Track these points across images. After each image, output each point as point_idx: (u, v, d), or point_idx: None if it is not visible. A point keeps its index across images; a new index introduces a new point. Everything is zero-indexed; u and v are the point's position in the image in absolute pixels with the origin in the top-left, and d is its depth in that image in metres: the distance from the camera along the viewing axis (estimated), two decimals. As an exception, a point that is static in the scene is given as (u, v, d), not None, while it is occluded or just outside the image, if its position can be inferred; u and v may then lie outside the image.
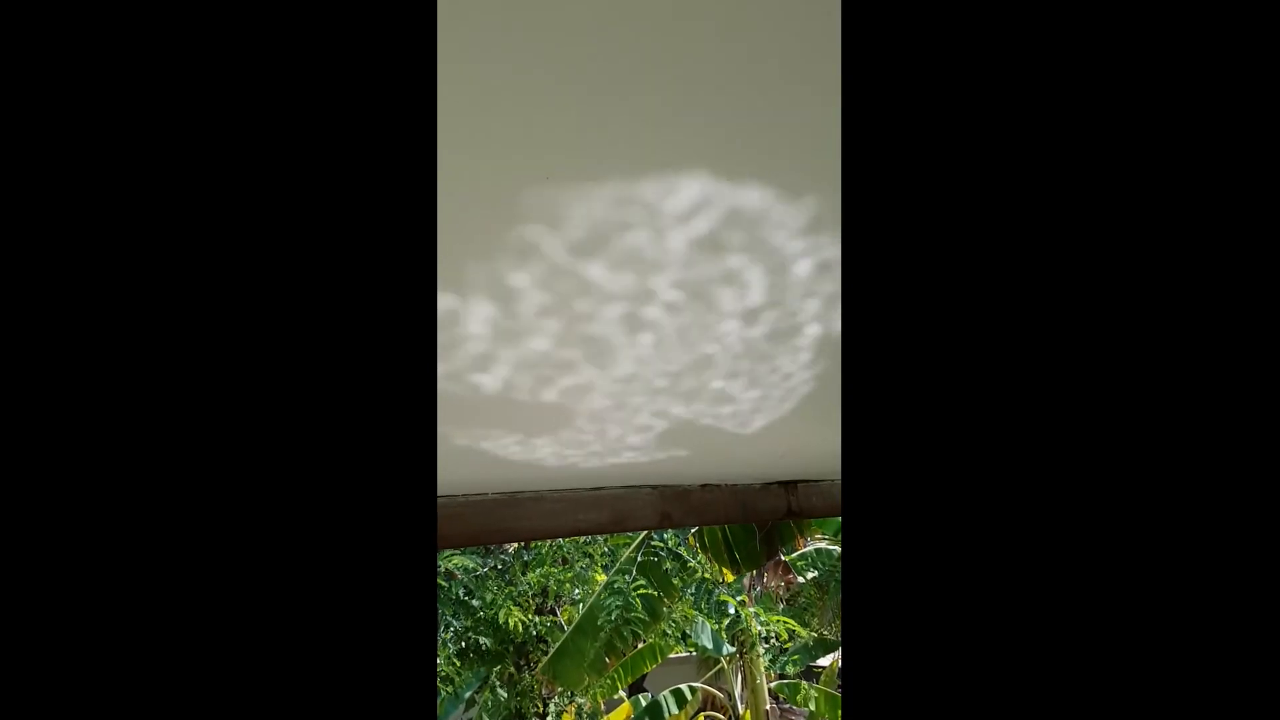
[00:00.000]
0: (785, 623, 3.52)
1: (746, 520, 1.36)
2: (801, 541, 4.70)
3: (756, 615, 3.26)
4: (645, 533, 3.06)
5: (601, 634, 2.70)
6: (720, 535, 2.14)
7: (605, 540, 3.48)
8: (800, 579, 6.03)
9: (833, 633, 6.63)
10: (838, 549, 6.29)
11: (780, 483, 1.42)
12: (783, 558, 2.48)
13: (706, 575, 3.01)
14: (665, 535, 2.97)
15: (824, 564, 6.24)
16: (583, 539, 3.81)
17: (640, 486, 1.28)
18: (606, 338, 0.71)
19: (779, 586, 2.52)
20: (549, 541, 3.86)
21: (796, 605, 7.01)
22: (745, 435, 1.11)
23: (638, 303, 0.66)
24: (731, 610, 3.50)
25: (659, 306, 0.67)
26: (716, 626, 3.99)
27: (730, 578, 2.20)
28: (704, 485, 1.35)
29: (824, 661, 7.25)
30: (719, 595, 3.05)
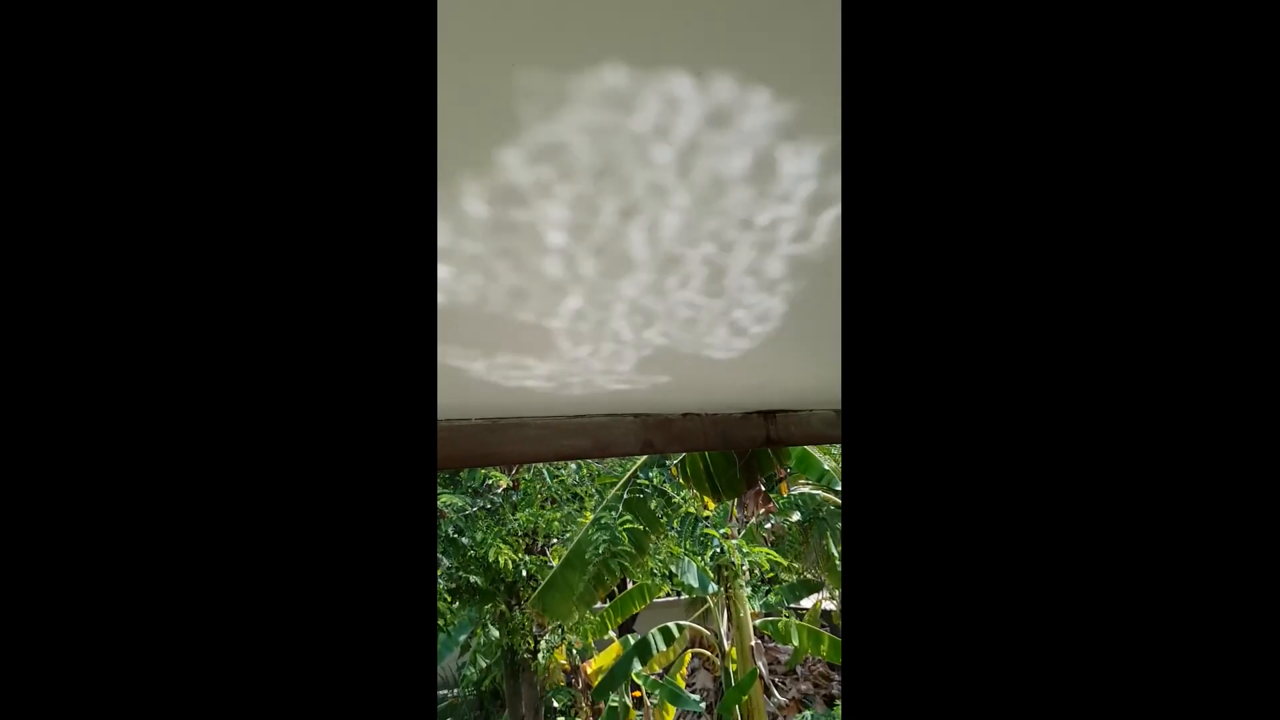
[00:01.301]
0: (767, 554, 3.65)
1: (726, 448, 1.40)
2: (781, 471, 4.80)
3: (739, 547, 3.37)
4: (631, 472, 3.14)
5: (589, 567, 2.80)
6: (701, 465, 2.20)
7: (594, 481, 3.55)
8: (785, 521, 6.21)
9: (816, 575, 6.88)
10: (821, 494, 6.47)
11: (759, 412, 1.46)
12: (762, 487, 2.55)
13: (691, 510, 3.10)
14: (650, 474, 3.05)
15: (808, 508, 6.42)
16: (571, 481, 3.89)
17: (623, 415, 1.30)
18: (579, 258, 0.72)
19: (758, 514, 2.60)
20: (539, 483, 3.94)
21: (781, 547, 7.24)
22: (724, 361, 1.13)
23: (609, 219, 0.66)
24: (715, 545, 3.62)
25: (634, 224, 0.68)
26: (702, 563, 4.13)
27: (712, 506, 2.27)
28: (685, 414, 1.38)
29: (807, 603, 7.55)
30: (702, 529, 3.15)
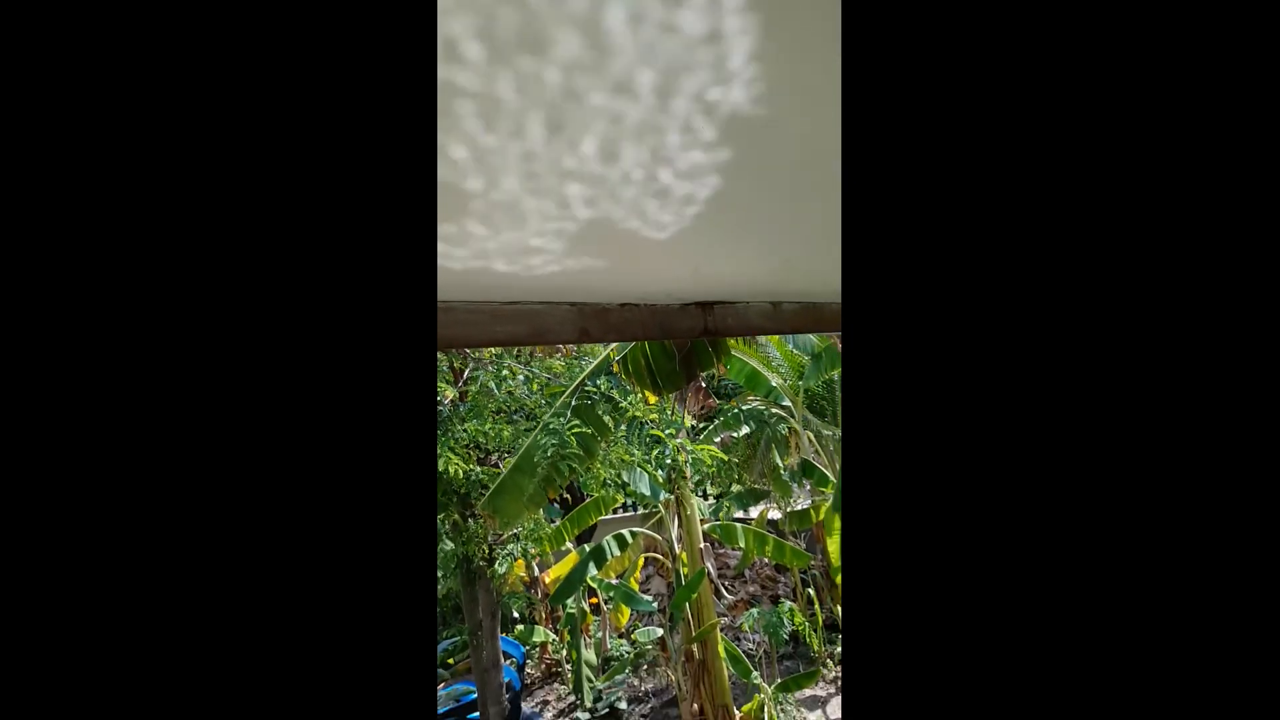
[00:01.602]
0: (710, 450, 3.79)
1: (665, 337, 1.40)
2: (722, 369, 4.93)
3: (683, 446, 3.49)
4: (580, 381, 3.16)
5: (539, 470, 2.87)
6: (643, 361, 2.23)
7: (542, 393, 3.56)
8: (733, 434, 6.44)
9: (762, 484, 7.23)
10: (768, 408, 6.70)
11: (697, 303, 1.46)
12: (702, 384, 2.62)
13: (638, 414, 3.18)
14: (599, 381, 3.08)
15: (757, 421, 6.66)
16: (520, 392, 3.90)
17: (559, 303, 1.28)
18: (489, 117, 0.67)
19: (699, 409, 2.68)
20: (486, 397, 3.94)
21: (729, 460, 7.53)
22: (658, 243, 1.11)
23: (520, 75, 0.61)
24: (663, 448, 3.71)
25: (546, 80, 0.63)
26: (651, 469, 4.26)
27: (653, 400, 2.33)
28: (623, 304, 1.37)
29: (753, 512, 7.96)
30: (649, 430, 3.24)
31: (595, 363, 3.17)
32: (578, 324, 1.30)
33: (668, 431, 3.54)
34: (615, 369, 2.52)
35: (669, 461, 4.05)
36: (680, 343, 2.15)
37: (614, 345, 2.36)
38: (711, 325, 1.46)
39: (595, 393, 3.00)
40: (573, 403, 2.98)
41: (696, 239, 1.15)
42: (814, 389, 7.24)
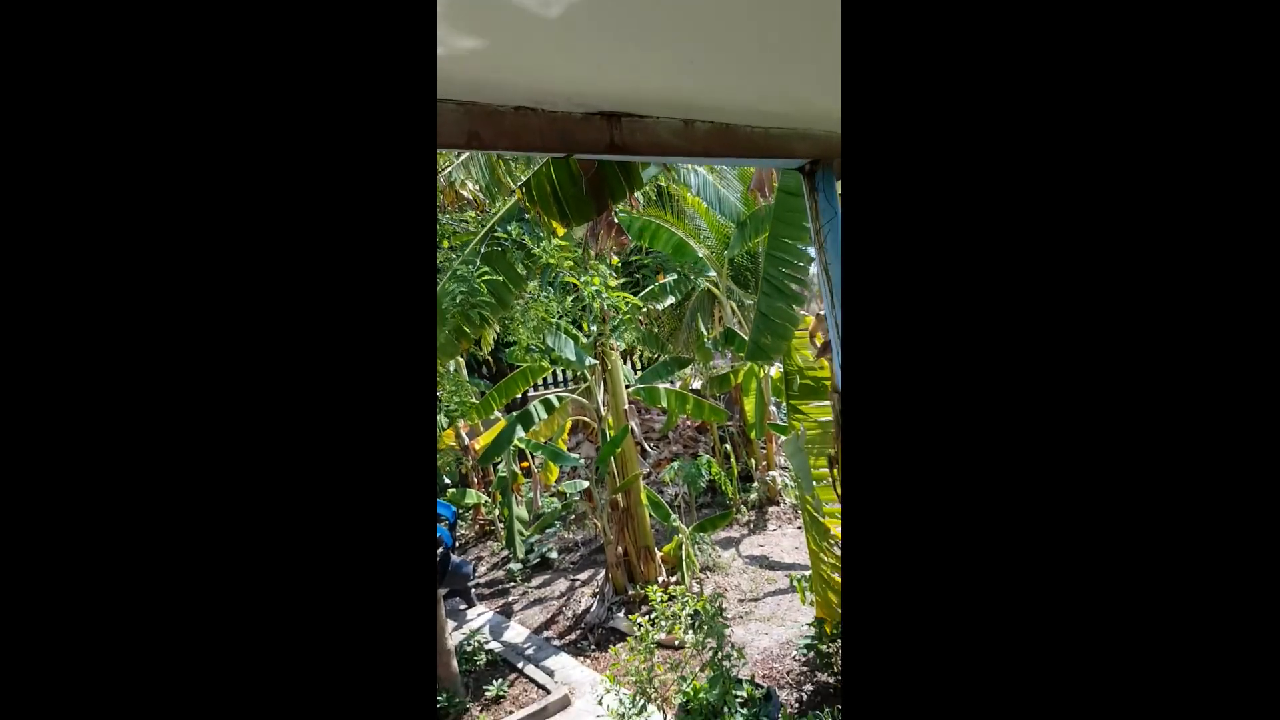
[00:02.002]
0: (625, 297, 3.82)
1: (566, 150, 1.31)
2: (635, 203, 4.87)
3: (599, 291, 3.49)
4: (490, 226, 3.02)
5: (448, 318, 2.80)
6: (548, 187, 2.14)
7: (450, 241, 3.39)
8: (659, 306, 6.50)
9: (688, 353, 7.44)
10: (692, 277, 6.76)
11: (602, 114, 1.36)
12: (615, 220, 2.57)
13: (552, 261, 3.12)
14: (510, 228, 2.95)
15: (683, 291, 6.72)
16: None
17: (444, 100, 1.16)
18: None
19: (612, 248, 2.65)
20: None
21: (654, 328, 7.65)
22: (549, 21, 0.98)
23: None
24: (583, 298, 3.67)
25: None
26: (574, 332, 4.26)
27: (560, 232, 2.27)
28: (518, 108, 1.26)
29: (677, 383, 8.25)
30: (563, 278, 3.20)
31: (505, 208, 3.00)
32: (466, 127, 1.19)
33: (584, 279, 3.50)
34: (519, 195, 2.39)
35: (584, 309, 4.02)
36: (586, 165, 2.04)
37: (522, 184, 2.23)
38: (618, 140, 1.37)
39: (506, 239, 2.87)
40: (482, 250, 2.86)
41: (593, 25, 1.03)
42: (738, 259, 7.31)
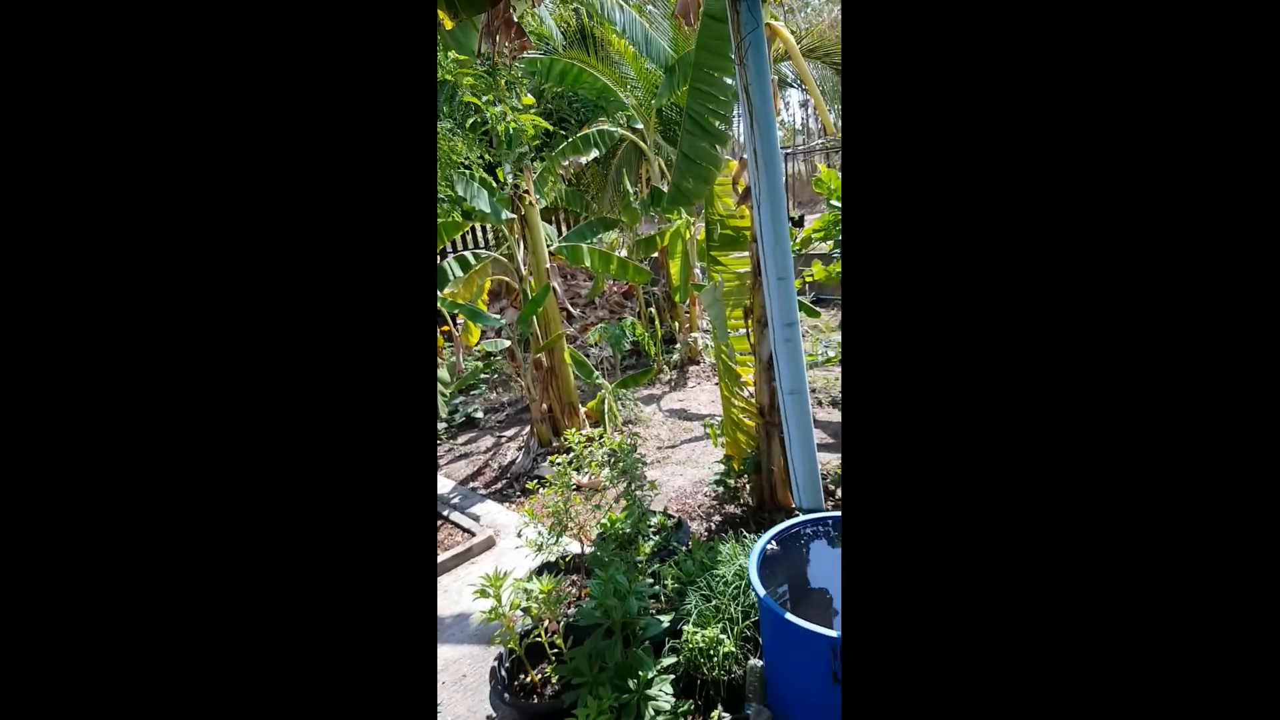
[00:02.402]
0: (534, 120, 3.59)
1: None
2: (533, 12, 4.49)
3: (505, 114, 3.24)
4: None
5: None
6: None
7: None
8: (583, 158, 6.15)
9: (614, 213, 7.21)
10: (620, 130, 6.39)
11: None
12: (514, 18, 2.31)
13: (448, 78, 2.81)
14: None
15: (607, 145, 6.36)
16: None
17: None
18: None
19: (512, 50, 2.41)
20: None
21: (578, 187, 7.33)
22: None
23: None
24: (486, 119, 3.38)
25: None
26: (490, 185, 4.00)
27: (449, 25, 2.02)
28: None
29: (603, 244, 8.06)
30: (463, 97, 2.91)
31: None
32: None
33: (485, 99, 3.20)
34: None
35: (486, 131, 3.72)
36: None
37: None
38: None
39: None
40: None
41: None
42: (667, 110, 6.93)
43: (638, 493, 3.11)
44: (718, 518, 3.86)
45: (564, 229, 9.02)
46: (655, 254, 7.38)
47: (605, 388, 5.15)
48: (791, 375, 2.21)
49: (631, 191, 6.64)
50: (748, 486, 3.79)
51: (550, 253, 5.41)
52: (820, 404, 5.44)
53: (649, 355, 6.76)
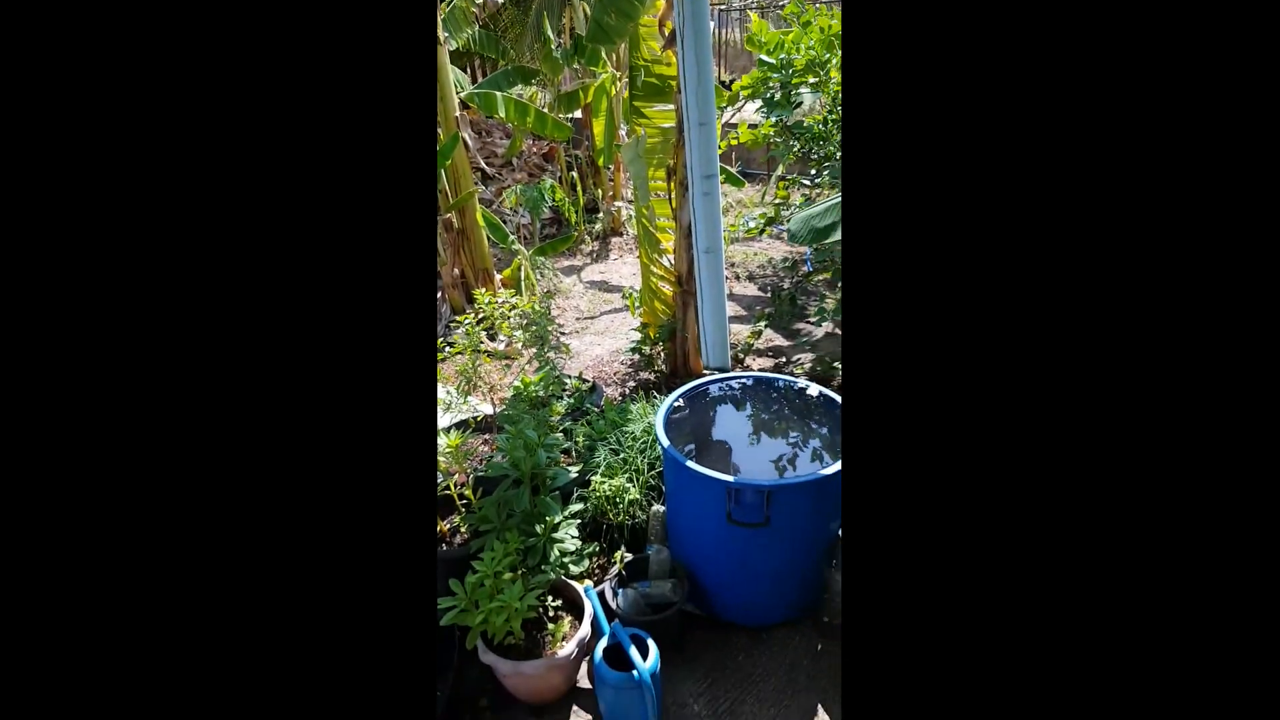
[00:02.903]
0: None
1: None
2: None
3: None
4: None
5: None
6: None
7: None
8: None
9: (533, 63, 6.57)
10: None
11: None
12: None
13: None
14: None
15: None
16: None
17: None
18: None
19: None
20: None
21: (494, 30, 6.58)
22: None
23: None
24: None
25: None
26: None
27: None
28: None
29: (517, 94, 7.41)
30: None
31: None
32: None
33: None
34: None
35: None
36: None
37: None
38: None
39: None
40: None
41: None
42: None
43: (551, 354, 3.08)
44: (632, 384, 3.94)
45: (478, 79, 8.17)
46: (578, 112, 6.89)
47: (522, 254, 4.94)
48: (708, 232, 2.15)
49: (554, 40, 6.02)
50: (662, 354, 3.85)
51: (460, 100, 4.91)
52: (737, 278, 5.50)
53: (570, 223, 6.51)
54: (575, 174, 6.76)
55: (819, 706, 2.06)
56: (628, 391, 3.84)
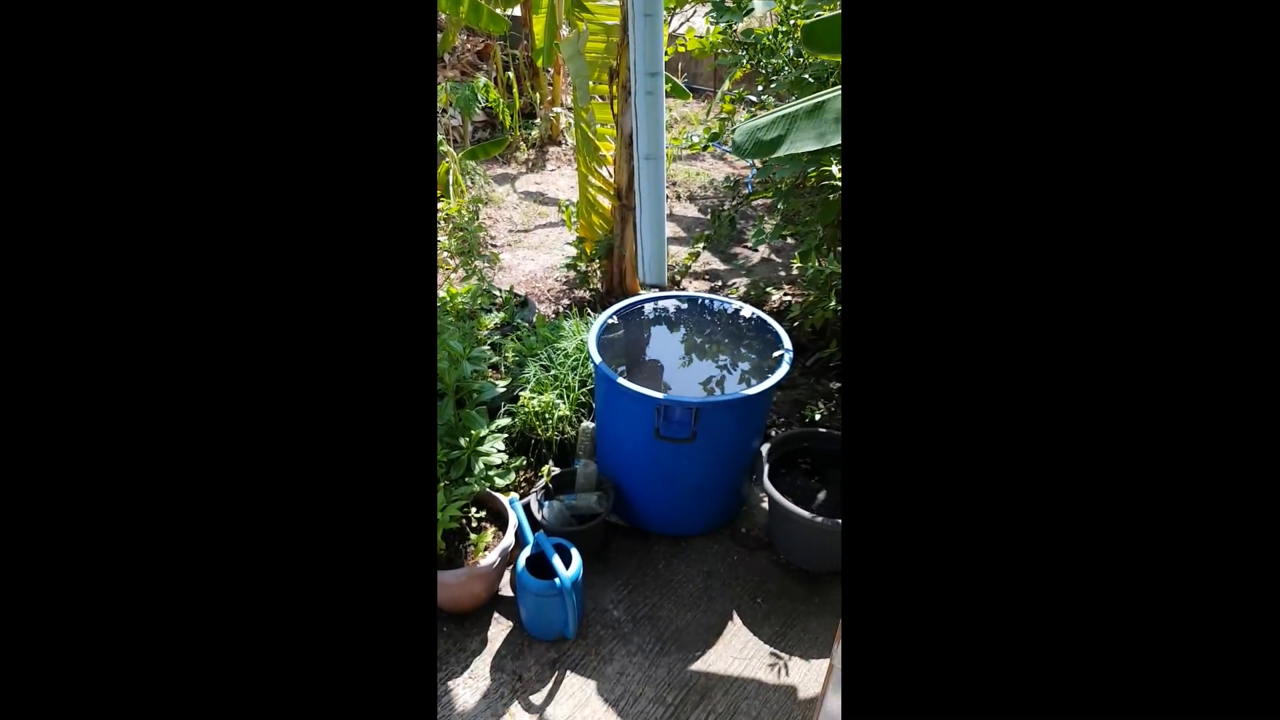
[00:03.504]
0: None
1: None
2: None
3: None
4: None
5: None
6: None
7: None
8: None
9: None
10: None
11: None
12: None
13: None
14: None
15: None
16: None
17: None
18: None
19: None
20: None
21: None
22: None
23: None
24: None
25: None
26: None
27: None
28: None
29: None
30: None
31: None
32: None
33: None
34: None
35: None
36: None
37: None
38: None
39: None
40: None
41: None
42: None
43: (480, 265, 2.93)
44: (567, 301, 3.84)
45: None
46: (517, 9, 6.32)
47: (450, 156, 4.60)
48: (649, 136, 2.03)
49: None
50: (599, 272, 3.75)
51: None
52: (679, 198, 5.37)
53: (505, 127, 6.10)
54: (512, 75, 6.28)
55: (733, 611, 2.18)
56: (562, 309, 3.74)
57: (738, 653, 2.05)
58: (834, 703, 1.27)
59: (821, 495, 2.35)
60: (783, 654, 2.05)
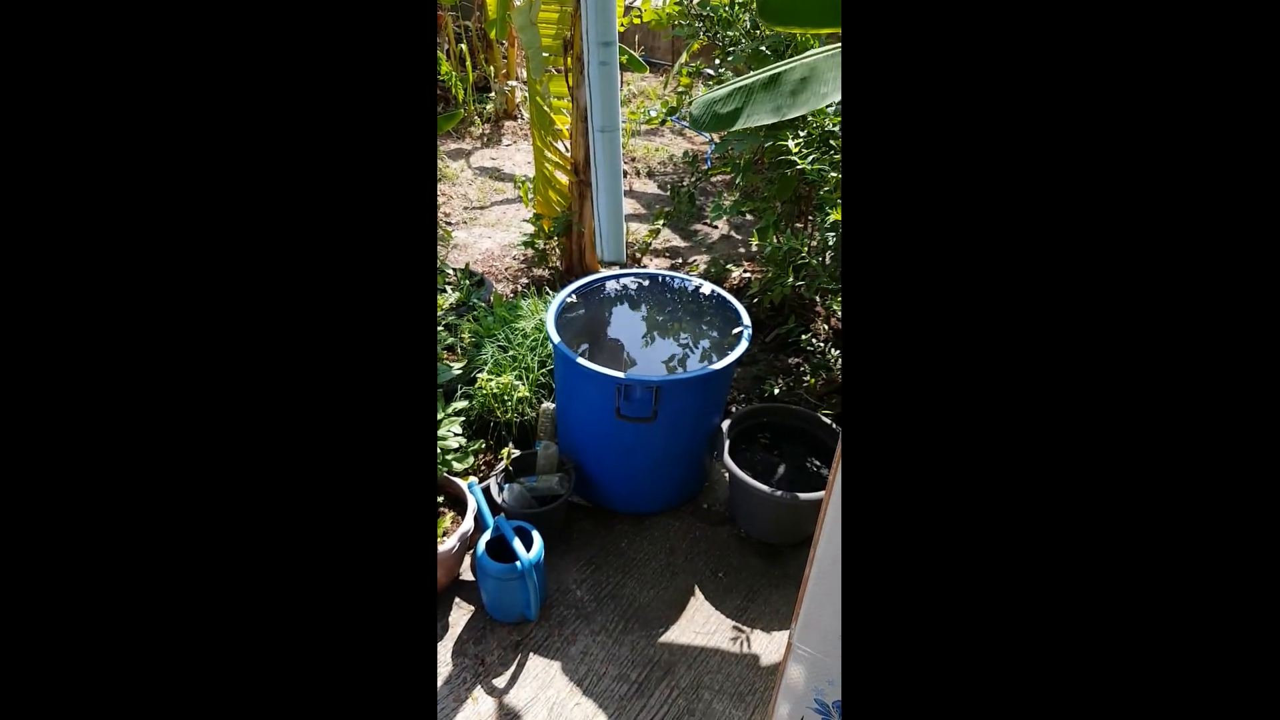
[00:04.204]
0: None
1: None
2: None
3: None
4: None
5: None
6: None
7: None
8: None
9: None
10: None
11: None
12: None
13: None
14: None
15: None
16: None
17: None
18: None
19: None
20: None
21: None
22: None
23: None
24: None
25: None
26: None
27: None
28: None
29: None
30: None
31: None
32: None
33: None
34: None
35: None
36: None
37: None
38: None
39: None
40: None
41: None
42: None
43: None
44: (525, 280, 3.76)
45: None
46: (467, -27, 6.07)
47: (401, 131, 4.43)
48: (604, 108, 1.98)
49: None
50: (557, 250, 3.68)
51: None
52: (638, 174, 5.30)
53: (458, 101, 5.90)
54: (465, 47, 6.05)
55: (695, 587, 2.20)
56: (520, 288, 3.67)
57: (700, 627, 2.07)
58: (795, 671, 1.29)
59: (781, 469, 2.38)
60: (745, 627, 2.08)
